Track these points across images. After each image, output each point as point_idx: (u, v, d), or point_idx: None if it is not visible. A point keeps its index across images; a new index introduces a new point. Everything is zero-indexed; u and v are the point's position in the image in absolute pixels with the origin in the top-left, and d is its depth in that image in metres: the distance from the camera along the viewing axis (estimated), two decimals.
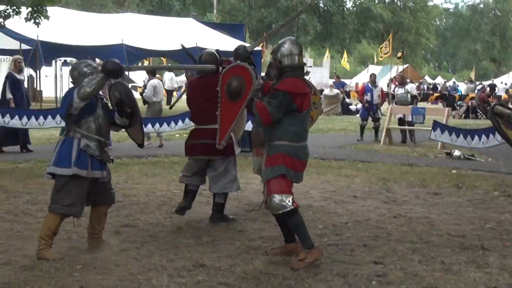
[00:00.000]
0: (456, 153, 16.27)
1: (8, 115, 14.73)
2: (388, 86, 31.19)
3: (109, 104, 7.53)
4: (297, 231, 6.82)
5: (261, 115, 6.68)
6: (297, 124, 6.79)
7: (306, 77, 7.24)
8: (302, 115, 6.82)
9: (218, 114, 7.12)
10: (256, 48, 29.06)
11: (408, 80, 24.95)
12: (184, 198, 8.86)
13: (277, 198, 6.62)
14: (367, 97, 20.53)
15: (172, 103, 13.82)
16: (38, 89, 27.18)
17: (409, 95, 20.11)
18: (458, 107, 36.44)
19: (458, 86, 52.84)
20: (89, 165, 6.95)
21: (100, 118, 7.11)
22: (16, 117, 14.80)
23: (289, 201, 6.63)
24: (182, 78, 40.09)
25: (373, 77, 21.35)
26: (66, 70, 37.52)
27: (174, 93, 38.23)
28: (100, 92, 7.41)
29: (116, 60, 7.12)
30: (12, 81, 15.25)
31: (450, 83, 55.40)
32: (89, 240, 7.36)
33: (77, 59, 33.21)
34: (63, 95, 7.35)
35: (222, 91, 7.09)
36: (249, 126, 10.84)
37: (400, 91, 20.42)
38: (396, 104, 20.37)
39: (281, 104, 6.66)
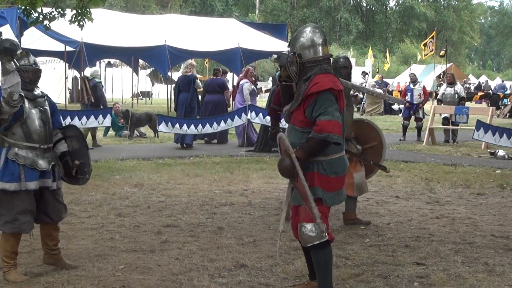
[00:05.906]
0: (501, 153, 16.07)
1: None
2: (439, 85, 30.59)
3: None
4: (321, 269, 5.45)
5: (333, 131, 5.09)
6: None
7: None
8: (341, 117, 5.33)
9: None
10: None
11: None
12: None
13: (308, 227, 5.34)
14: (408, 97, 20.33)
15: None
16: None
17: (456, 96, 19.63)
18: (502, 106, 35.91)
19: (510, 86, 51.74)
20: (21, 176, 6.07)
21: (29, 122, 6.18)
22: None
23: (322, 231, 5.32)
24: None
25: (412, 77, 21.05)
26: (110, 71, 38.14)
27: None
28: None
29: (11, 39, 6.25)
30: None
31: (497, 82, 54.52)
32: (45, 256, 6.62)
33: (121, 60, 33.74)
34: None
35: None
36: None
37: (448, 90, 19.73)
38: (443, 103, 19.94)
39: (332, 104, 5.19)
